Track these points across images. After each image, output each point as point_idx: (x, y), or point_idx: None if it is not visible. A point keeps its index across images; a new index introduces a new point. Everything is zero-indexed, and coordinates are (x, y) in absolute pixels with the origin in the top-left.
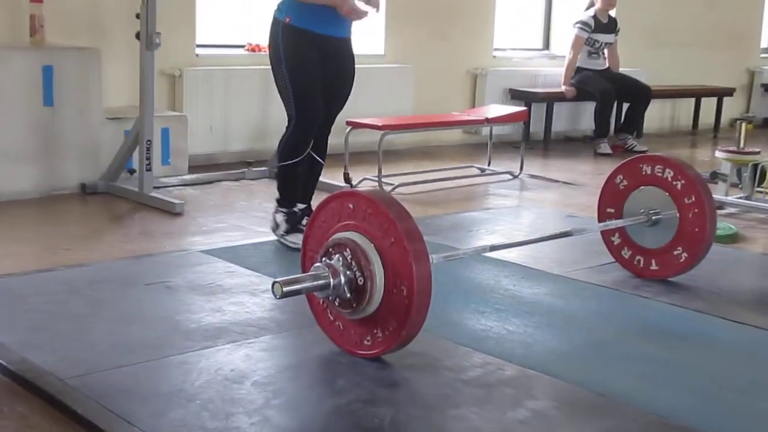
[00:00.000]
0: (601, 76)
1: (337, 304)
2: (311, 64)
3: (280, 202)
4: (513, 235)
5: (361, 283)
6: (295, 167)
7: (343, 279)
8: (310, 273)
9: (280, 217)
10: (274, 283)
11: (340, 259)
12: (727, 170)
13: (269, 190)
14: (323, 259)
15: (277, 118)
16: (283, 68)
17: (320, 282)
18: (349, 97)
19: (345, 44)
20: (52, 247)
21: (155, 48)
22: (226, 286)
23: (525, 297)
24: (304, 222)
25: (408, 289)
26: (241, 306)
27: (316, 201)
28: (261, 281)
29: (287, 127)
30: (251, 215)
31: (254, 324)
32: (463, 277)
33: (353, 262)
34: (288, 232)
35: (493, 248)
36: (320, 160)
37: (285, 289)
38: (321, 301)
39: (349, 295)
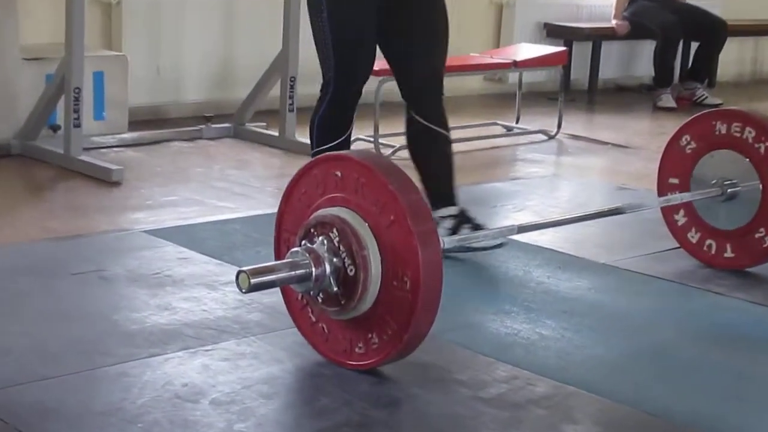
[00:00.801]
0: (663, 8)
1: (320, 300)
2: (363, 9)
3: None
4: (547, 213)
5: (351, 273)
6: (337, 150)
7: (328, 268)
8: (285, 260)
9: (444, 227)
10: (239, 272)
11: (325, 242)
12: None
13: (233, 153)
14: (303, 242)
15: (244, 57)
16: (323, 13)
17: (299, 272)
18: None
19: None
20: None
21: None
22: (178, 276)
23: (562, 292)
24: None
25: (412, 282)
26: (197, 302)
27: (294, 168)
28: (222, 271)
29: (320, 97)
30: (210, 186)
31: (213, 326)
32: (484, 266)
33: (341, 247)
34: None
35: (522, 229)
36: (440, 130)
37: (253, 280)
38: (300, 296)
39: (336, 289)
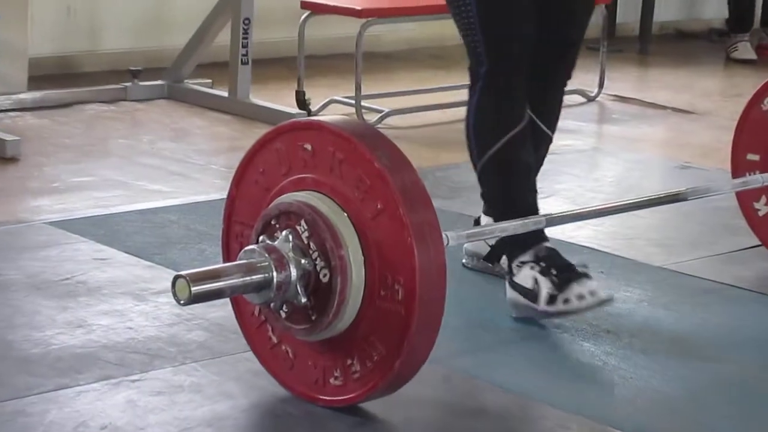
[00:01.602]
0: None
1: (284, 315)
2: None
3: (507, 243)
4: (585, 199)
5: (325, 279)
6: (513, 151)
7: (294, 272)
8: (237, 262)
9: (526, 276)
10: (176, 278)
11: (290, 238)
12: None
13: (168, 120)
14: (261, 238)
15: None
16: None
17: (255, 277)
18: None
19: None
20: None
21: None
22: (94, 283)
23: (605, 305)
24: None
25: (406, 291)
26: (120, 318)
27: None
28: (154, 276)
29: (471, 89)
30: (137, 163)
31: (142, 349)
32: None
33: (312, 244)
34: (559, 288)
35: (552, 221)
36: (546, 129)
37: (195, 288)
38: (257, 310)
39: (304, 300)
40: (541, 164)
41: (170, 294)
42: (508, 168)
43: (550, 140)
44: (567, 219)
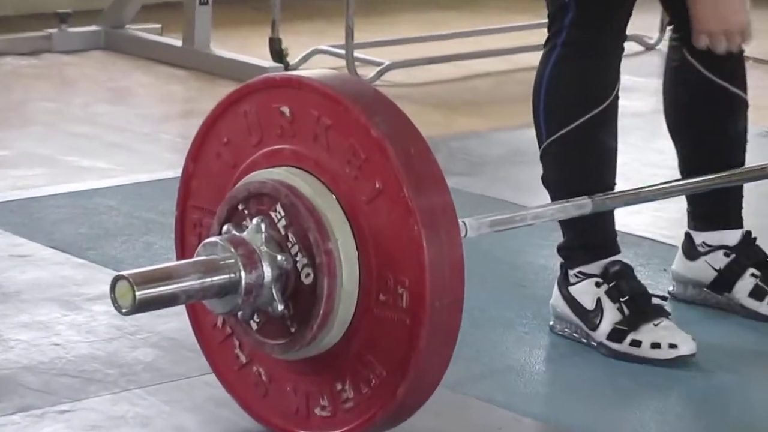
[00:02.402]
0: None
1: (255, 327)
2: None
3: (571, 247)
4: (643, 176)
5: (308, 280)
6: (596, 132)
7: (268, 272)
8: (195, 259)
9: (586, 292)
10: (116, 279)
11: (263, 227)
12: None
13: (105, 76)
14: (225, 228)
15: None
16: None
17: (218, 279)
18: None
19: None
20: None
21: None
22: (11, 287)
23: (671, 313)
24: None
25: (412, 295)
26: (44, 331)
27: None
28: (87, 277)
29: (547, 44)
30: (66, 132)
31: (72, 371)
32: (532, 265)
33: (291, 236)
34: (629, 323)
35: (601, 204)
36: (735, 90)
37: (141, 293)
38: (220, 321)
39: (281, 308)
40: (743, 143)
41: (108, 300)
42: (586, 152)
43: (746, 106)
44: (620, 201)
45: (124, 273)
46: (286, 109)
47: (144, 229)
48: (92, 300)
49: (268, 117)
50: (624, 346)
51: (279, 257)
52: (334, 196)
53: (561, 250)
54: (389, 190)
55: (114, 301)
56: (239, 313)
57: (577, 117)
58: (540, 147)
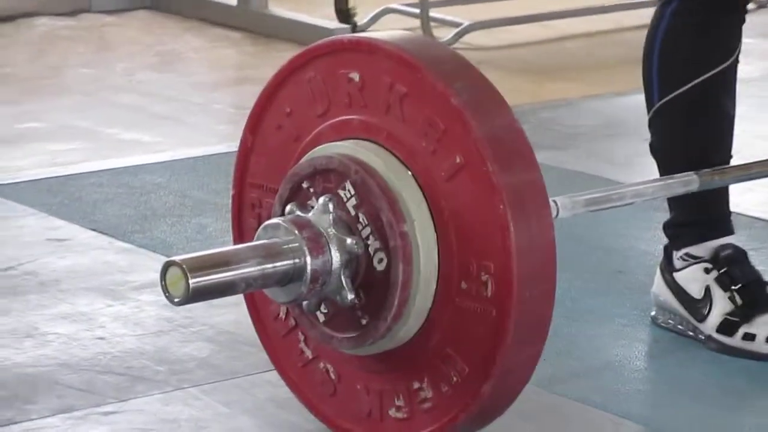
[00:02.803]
0: None
1: (322, 318)
2: None
3: (678, 224)
4: (754, 150)
5: (381, 267)
6: (712, 94)
7: (336, 257)
8: (254, 243)
9: (694, 278)
10: (167, 265)
11: (330, 207)
12: None
13: (150, 39)
14: (288, 208)
15: None
16: None
17: (280, 265)
18: None
19: None
20: None
21: None
22: (49, 275)
23: None
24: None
25: (498, 283)
26: (87, 324)
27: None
28: (133, 263)
29: (659, 7)
30: (107, 101)
31: (118, 369)
32: (633, 252)
33: (361, 217)
34: (742, 315)
35: (708, 181)
36: None
37: (195, 281)
38: (283, 312)
39: (351, 297)
40: None
41: (158, 289)
42: (703, 116)
43: None
44: (730, 177)
45: (176, 258)
46: (355, 76)
47: (196, 210)
48: (139, 289)
49: (335, 84)
50: (736, 340)
51: (348, 240)
52: (409, 173)
53: (666, 227)
54: (471, 166)
55: (165, 289)
56: (304, 303)
57: (696, 76)
58: (649, 110)
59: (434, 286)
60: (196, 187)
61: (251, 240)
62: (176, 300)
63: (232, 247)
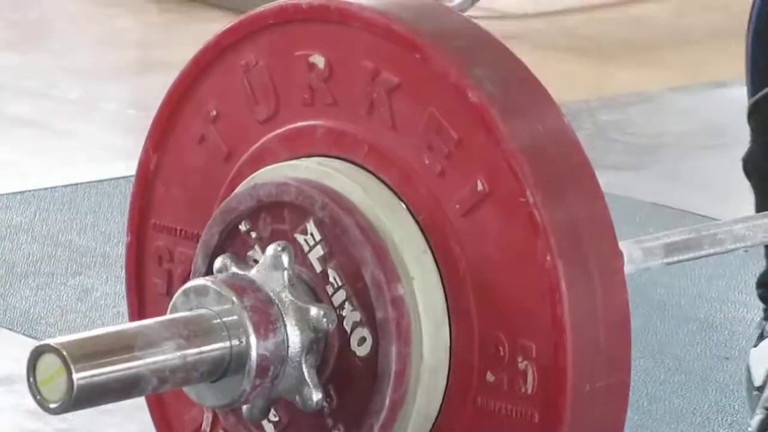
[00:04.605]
0: None
1: (273, 429)
2: None
3: None
4: None
5: (363, 350)
6: None
7: (294, 336)
8: (170, 317)
9: (763, 357)
10: (39, 351)
11: (284, 259)
12: None
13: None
14: (218, 260)
15: None
16: None
17: (209, 349)
18: None
19: None
20: None
21: None
22: None
23: None
24: None
25: (543, 373)
26: None
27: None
28: None
29: None
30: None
31: None
32: (745, 325)
33: (333, 274)
34: None
35: None
36: None
37: (81, 376)
38: (206, 421)
39: (317, 399)
40: None
41: (18, 388)
42: None
43: None
44: None
45: (52, 341)
46: (319, 60)
47: (75, 266)
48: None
49: (287, 73)
50: None
51: (313, 311)
52: (403, 205)
53: (760, 285)
54: (501, 194)
55: (34, 390)
56: (244, 408)
57: None
58: (749, 95)
59: (445, 380)
60: (74, 230)
61: (159, 312)
62: (52, 406)
63: (136, 323)
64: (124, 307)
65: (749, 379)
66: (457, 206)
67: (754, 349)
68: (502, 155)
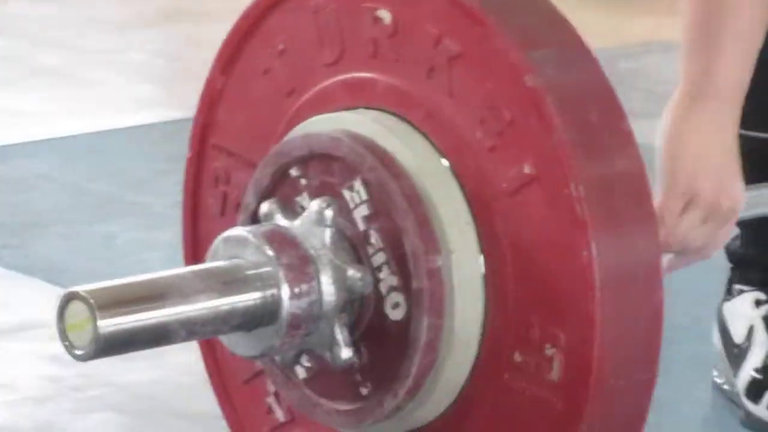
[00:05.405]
0: None
1: (303, 375)
2: None
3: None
4: None
5: (396, 314)
6: None
7: (329, 293)
8: (203, 266)
9: (740, 314)
10: (68, 298)
11: (328, 214)
12: None
13: None
14: (265, 204)
15: None
16: None
17: (240, 300)
18: None
19: None
20: None
21: None
22: None
23: None
24: None
25: (570, 362)
26: None
27: None
28: (3, 295)
29: None
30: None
31: None
32: None
33: (375, 236)
34: None
35: None
36: None
37: (104, 324)
38: (250, 374)
39: (348, 355)
40: None
41: (37, 335)
42: None
43: None
44: None
45: (80, 289)
46: (385, 15)
47: (101, 213)
48: (10, 333)
49: (353, 22)
50: (761, 409)
51: (350, 271)
52: (452, 175)
53: (731, 252)
54: (548, 180)
55: (63, 336)
56: (277, 358)
57: None
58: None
59: (474, 352)
60: (100, 177)
61: (211, 232)
62: (80, 352)
63: (169, 272)
64: (149, 255)
65: (727, 336)
66: (504, 185)
67: (727, 303)
68: (553, 144)
